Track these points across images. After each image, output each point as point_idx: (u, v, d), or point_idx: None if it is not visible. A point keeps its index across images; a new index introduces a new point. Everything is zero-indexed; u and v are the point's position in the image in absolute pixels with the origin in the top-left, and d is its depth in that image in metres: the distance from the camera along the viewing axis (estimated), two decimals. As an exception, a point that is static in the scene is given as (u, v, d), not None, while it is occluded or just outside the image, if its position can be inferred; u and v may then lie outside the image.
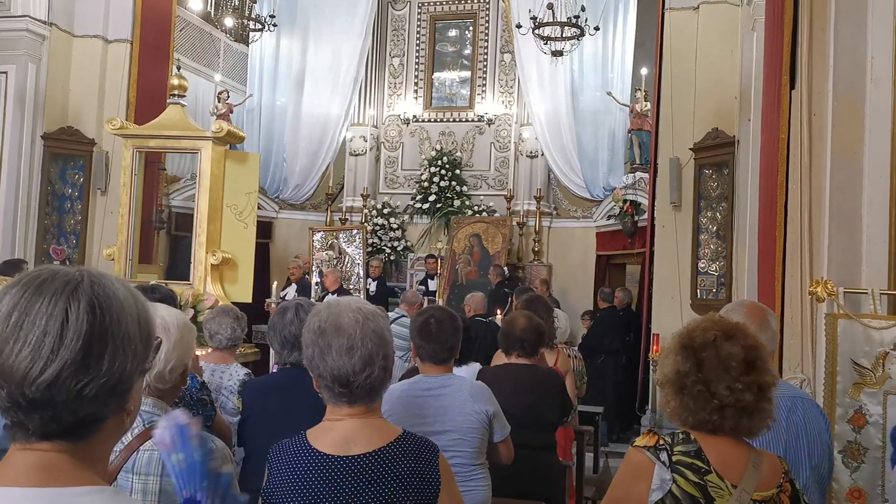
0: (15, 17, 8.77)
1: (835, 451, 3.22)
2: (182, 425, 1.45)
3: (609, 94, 11.77)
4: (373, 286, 11.41)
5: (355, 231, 12.24)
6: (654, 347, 7.77)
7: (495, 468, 3.06)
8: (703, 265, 7.92)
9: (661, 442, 1.87)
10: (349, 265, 11.85)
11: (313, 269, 11.23)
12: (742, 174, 7.12)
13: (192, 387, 2.65)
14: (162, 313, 2.09)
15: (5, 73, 8.85)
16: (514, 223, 12.67)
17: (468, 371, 3.80)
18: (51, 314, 1.01)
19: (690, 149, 7.93)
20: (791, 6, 4.32)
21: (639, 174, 10.77)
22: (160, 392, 2.11)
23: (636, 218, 10.68)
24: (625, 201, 10.87)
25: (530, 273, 12.37)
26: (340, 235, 12.19)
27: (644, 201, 10.13)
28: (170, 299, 3.47)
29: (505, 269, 11.24)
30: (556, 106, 12.35)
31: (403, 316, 6.81)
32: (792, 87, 4.27)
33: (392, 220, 12.91)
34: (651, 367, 7.93)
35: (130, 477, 1.96)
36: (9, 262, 6.37)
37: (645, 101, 11.00)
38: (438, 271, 11.84)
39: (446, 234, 12.55)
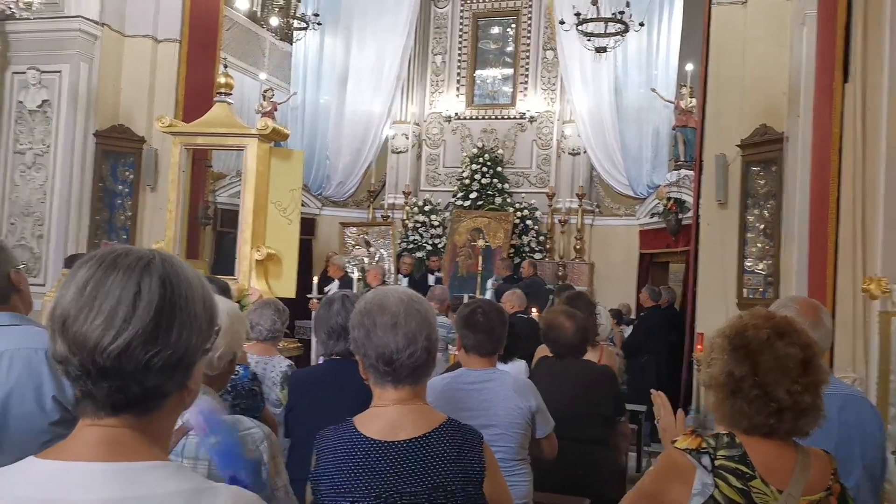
0: (68, 17, 8.98)
1: (888, 452, 3.14)
2: (211, 410, 1.48)
3: (653, 90, 11.65)
4: (404, 283, 11.48)
5: (385, 228, 12.34)
6: (699, 347, 7.66)
7: (546, 461, 3.06)
8: (749, 264, 7.78)
9: (704, 445, 1.82)
10: (380, 261, 11.97)
11: (346, 264, 11.31)
12: (791, 171, 6.98)
13: (243, 377, 2.70)
14: None
15: (59, 72, 9.06)
16: (556, 220, 12.62)
17: (513, 368, 3.80)
18: (125, 286, 1.05)
19: (737, 146, 7.79)
20: (844, -2, 4.23)
21: (683, 171, 10.64)
22: (208, 379, 2.14)
23: (680, 216, 10.55)
24: (669, 199, 10.75)
25: (571, 271, 12.31)
26: (371, 232, 12.29)
27: (689, 199, 10.00)
28: (225, 291, 3.54)
29: (513, 261, 11.25)
30: (600, 103, 12.27)
31: (438, 314, 6.76)
32: (845, 80, 4.18)
33: (433, 217, 12.94)
34: (695, 367, 7.83)
35: (179, 461, 1.99)
36: (75, 257, 6.56)
37: (690, 97, 10.85)
38: (439, 267, 11.98)
39: (448, 227, 12.59)
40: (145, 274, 1.07)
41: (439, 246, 12.80)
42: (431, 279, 11.71)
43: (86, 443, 1.07)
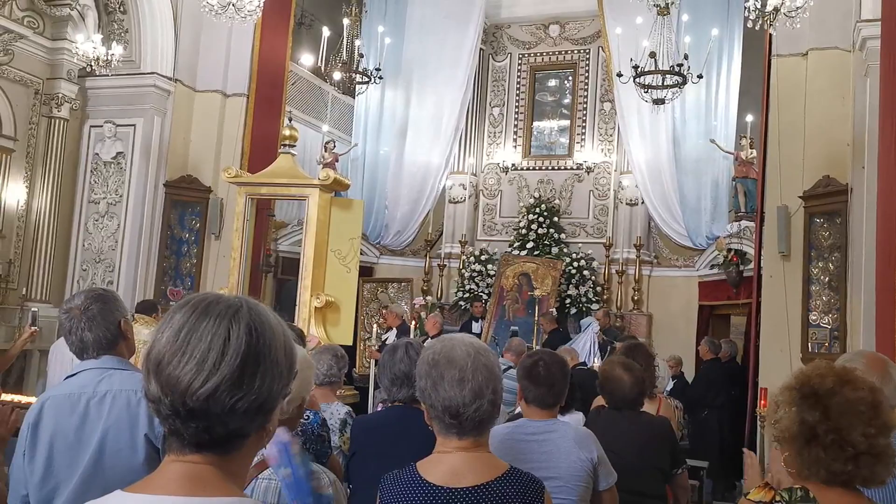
0: (144, 73, 9.45)
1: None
2: (285, 442, 1.56)
3: (712, 141, 11.58)
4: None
5: (404, 283, 12.42)
6: (762, 402, 7.45)
7: None
8: (814, 317, 7.59)
9: (777, 498, 1.79)
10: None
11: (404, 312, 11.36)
12: (856, 223, 6.85)
13: (313, 422, 2.76)
14: None
15: (133, 125, 9.51)
16: (614, 271, 12.52)
17: (571, 419, 3.76)
18: (215, 333, 1.12)
19: (800, 197, 7.68)
20: (909, 50, 4.19)
21: (744, 223, 10.49)
22: (279, 422, 2.20)
23: (741, 268, 10.36)
24: (729, 250, 10.59)
25: (629, 322, 12.15)
26: (390, 287, 12.36)
27: (749, 251, 9.84)
28: (300, 339, 3.63)
29: (554, 311, 11.13)
30: (657, 154, 12.23)
31: (511, 367, 6.69)
32: (911, 132, 4.12)
33: (489, 266, 12.98)
34: (759, 423, 7.60)
35: None
36: (145, 303, 6.83)
37: (750, 148, 10.75)
38: (483, 313, 11.97)
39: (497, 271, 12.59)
40: (234, 322, 1.13)
41: (494, 294, 12.83)
42: (476, 326, 11.69)
43: (169, 478, 1.13)
